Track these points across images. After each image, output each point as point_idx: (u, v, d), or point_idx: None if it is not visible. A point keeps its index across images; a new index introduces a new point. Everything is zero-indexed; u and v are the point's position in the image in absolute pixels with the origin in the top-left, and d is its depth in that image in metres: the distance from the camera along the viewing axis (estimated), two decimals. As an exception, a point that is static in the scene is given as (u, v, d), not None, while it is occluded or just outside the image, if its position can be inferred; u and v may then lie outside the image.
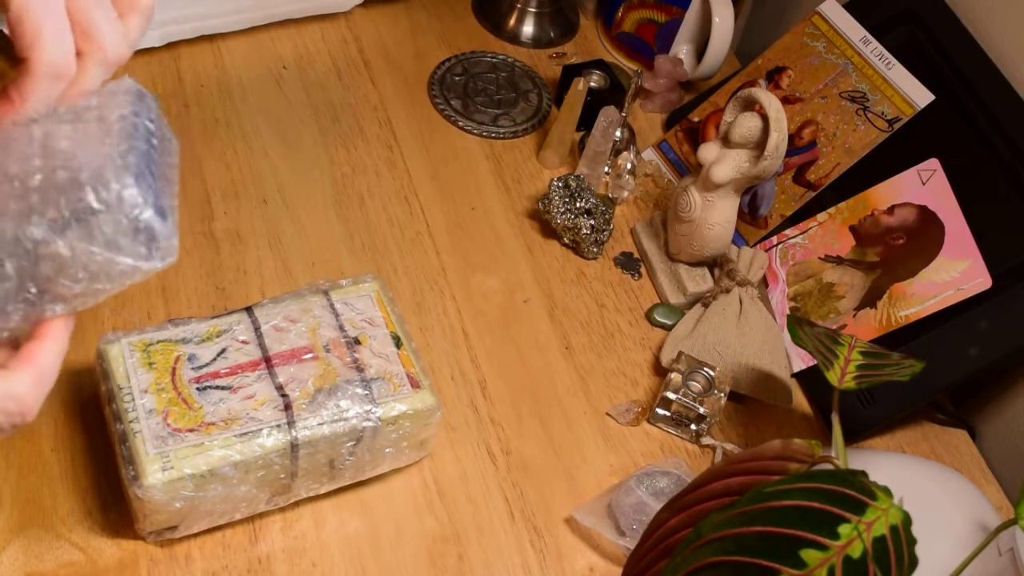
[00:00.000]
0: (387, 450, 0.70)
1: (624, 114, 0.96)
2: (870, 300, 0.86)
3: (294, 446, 0.65)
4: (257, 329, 0.69)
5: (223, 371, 0.67)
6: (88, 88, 0.48)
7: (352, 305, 0.72)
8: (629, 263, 0.93)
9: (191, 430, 0.64)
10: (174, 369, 0.66)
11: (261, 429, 0.65)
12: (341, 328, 0.71)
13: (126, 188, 0.45)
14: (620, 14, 1.09)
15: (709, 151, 0.85)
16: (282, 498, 0.68)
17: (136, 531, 0.66)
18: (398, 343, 0.71)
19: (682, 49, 1.07)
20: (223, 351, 0.68)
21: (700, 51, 1.05)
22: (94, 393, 0.71)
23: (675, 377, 0.81)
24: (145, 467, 0.62)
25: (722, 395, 0.81)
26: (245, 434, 0.64)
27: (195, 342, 0.68)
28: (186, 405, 0.65)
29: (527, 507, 0.75)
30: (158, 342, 0.68)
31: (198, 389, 0.66)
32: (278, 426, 0.65)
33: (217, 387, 0.66)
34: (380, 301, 0.73)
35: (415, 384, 0.70)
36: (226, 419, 0.65)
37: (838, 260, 0.88)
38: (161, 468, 0.62)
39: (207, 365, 0.67)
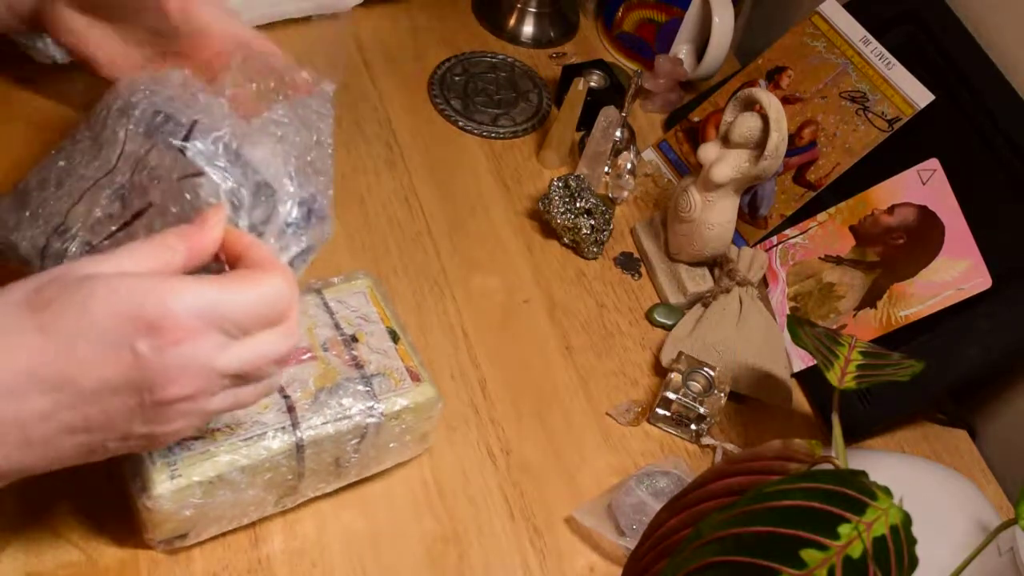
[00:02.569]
0: (391, 445, 0.70)
1: (624, 114, 0.96)
2: (870, 300, 0.86)
3: (299, 447, 0.65)
4: (257, 330, 0.69)
5: (223, 372, 0.67)
6: None
7: (346, 303, 0.72)
8: (629, 263, 0.93)
9: (196, 437, 0.63)
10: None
11: (266, 432, 0.64)
12: (337, 326, 0.71)
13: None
14: (620, 14, 1.09)
15: (709, 151, 0.85)
16: (289, 499, 0.68)
17: (146, 541, 0.65)
18: (395, 338, 0.71)
19: (682, 49, 1.07)
20: (223, 351, 0.68)
21: (700, 51, 1.05)
22: (94, 393, 0.71)
23: (675, 377, 0.81)
24: (152, 477, 0.61)
25: (722, 395, 0.81)
26: (250, 438, 0.64)
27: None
28: (188, 409, 0.65)
29: (527, 507, 0.75)
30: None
31: (199, 391, 0.65)
32: (282, 428, 0.65)
33: (218, 389, 0.66)
34: (373, 297, 0.73)
35: (415, 377, 0.70)
36: (230, 424, 0.64)
37: (838, 260, 0.88)
38: (169, 477, 0.61)
39: (207, 366, 0.67)
